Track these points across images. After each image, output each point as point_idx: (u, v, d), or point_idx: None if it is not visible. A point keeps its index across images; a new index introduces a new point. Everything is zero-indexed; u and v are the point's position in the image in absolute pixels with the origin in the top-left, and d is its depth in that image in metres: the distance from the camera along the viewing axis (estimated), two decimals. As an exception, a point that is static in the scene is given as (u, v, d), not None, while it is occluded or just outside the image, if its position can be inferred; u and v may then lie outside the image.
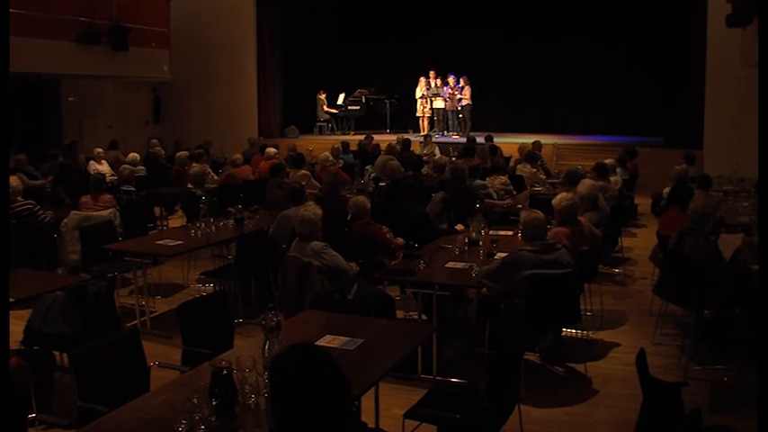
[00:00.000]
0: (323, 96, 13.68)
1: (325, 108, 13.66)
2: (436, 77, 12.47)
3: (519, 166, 7.44)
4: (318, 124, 13.76)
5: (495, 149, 8.47)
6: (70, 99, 11.66)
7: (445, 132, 12.58)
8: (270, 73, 13.29)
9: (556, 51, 12.80)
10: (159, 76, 12.69)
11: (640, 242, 6.55)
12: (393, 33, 14.20)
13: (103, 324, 3.16)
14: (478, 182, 5.96)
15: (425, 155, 9.50)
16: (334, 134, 13.64)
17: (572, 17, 12.50)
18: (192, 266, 5.55)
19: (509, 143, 10.30)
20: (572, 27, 12.47)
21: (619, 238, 5.70)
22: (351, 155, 9.16)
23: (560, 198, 4.08)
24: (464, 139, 10.47)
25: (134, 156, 8.13)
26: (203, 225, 4.86)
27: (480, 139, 9.93)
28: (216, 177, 7.66)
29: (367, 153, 9.28)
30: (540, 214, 3.56)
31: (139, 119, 13.34)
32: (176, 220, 6.98)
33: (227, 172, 7.52)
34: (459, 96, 12.19)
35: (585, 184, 5.16)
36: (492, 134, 10.17)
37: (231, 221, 5.07)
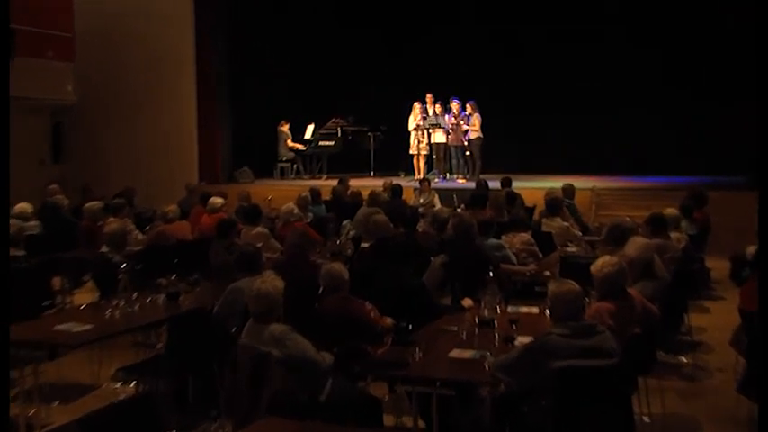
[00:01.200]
0: (285, 128, 13.95)
1: (289, 143, 13.92)
2: (435, 102, 12.79)
3: (545, 220, 7.58)
4: (280, 165, 13.98)
5: (513, 197, 8.63)
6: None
7: (448, 175, 12.84)
8: (214, 97, 13.56)
9: (591, 64, 13.20)
10: (60, 99, 12.62)
11: (716, 321, 6.53)
12: (378, 45, 14.67)
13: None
14: (492, 241, 6.07)
15: (422, 206, 9.64)
16: (301, 178, 13.83)
17: (611, 18, 12.93)
18: (106, 360, 5.47)
19: (532, 188, 10.52)
20: (611, 29, 12.90)
21: (685, 316, 5.73)
22: (323, 206, 9.27)
23: (602, 263, 4.16)
24: (472, 184, 10.69)
25: (24, 207, 8.07)
26: (122, 302, 4.85)
27: (494, 184, 10.12)
28: (141, 237, 7.67)
29: (344, 204, 9.40)
30: (574, 285, 3.62)
31: (31, 156, 13.24)
32: (85, 296, 6.90)
33: (157, 230, 7.56)
34: (465, 127, 12.51)
35: (636, 244, 5.22)
36: (510, 176, 10.35)
37: (161, 297, 5.08)
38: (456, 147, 12.73)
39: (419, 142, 12.87)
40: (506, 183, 9.84)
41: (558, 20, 13.37)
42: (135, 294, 4.98)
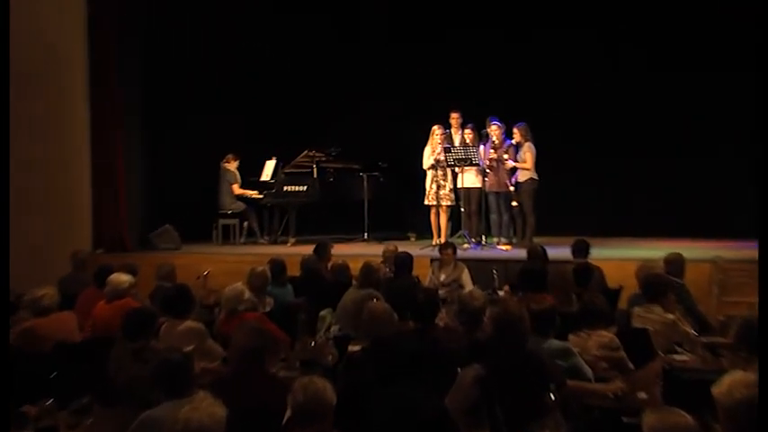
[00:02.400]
0: (233, 166, 14.08)
1: (237, 189, 14.01)
2: (463, 126, 12.94)
3: (639, 310, 7.55)
4: (222, 222, 14.04)
5: (587, 274, 8.64)
6: None
7: (483, 239, 12.87)
8: (121, 120, 13.59)
9: (698, 75, 13.40)
10: None
11: None
12: (375, 39, 14.93)
13: None
14: (555, 344, 6.05)
15: (443, 286, 9.66)
16: (256, 242, 13.93)
17: (723, 34, 13.21)
18: None
19: (617, 260, 10.57)
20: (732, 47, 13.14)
21: None
22: (289, 287, 9.27)
23: (732, 382, 4.13)
24: (522, 253, 10.68)
25: None
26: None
27: (558, 253, 10.18)
28: None
29: (322, 283, 9.40)
30: (686, 417, 3.63)
31: None
32: None
33: (23, 326, 7.52)
34: (510, 164, 12.57)
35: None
36: (585, 240, 10.24)
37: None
38: (497, 194, 12.77)
39: (439, 187, 12.95)
40: (579, 250, 9.75)
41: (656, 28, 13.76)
42: (-10, 428, 4.95)
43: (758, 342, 4.41)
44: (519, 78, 14.19)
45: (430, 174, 12.99)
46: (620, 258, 10.75)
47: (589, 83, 14.06)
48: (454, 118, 12.99)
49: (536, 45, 14.22)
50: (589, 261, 9.43)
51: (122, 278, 8.03)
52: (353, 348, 6.64)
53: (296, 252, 11.50)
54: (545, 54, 14.18)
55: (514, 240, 12.65)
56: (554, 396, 4.85)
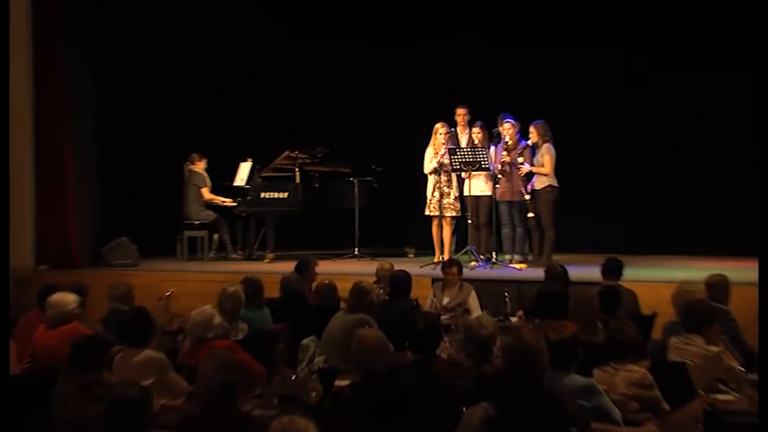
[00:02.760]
0: (200, 167, 14.09)
1: (207, 195, 14.02)
2: (471, 124, 12.95)
3: (675, 341, 7.54)
4: (188, 235, 14.03)
5: (615, 298, 8.61)
6: None
7: (494, 256, 12.83)
8: (67, 114, 13.50)
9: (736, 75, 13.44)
10: None
11: None
12: (372, 36, 15.01)
13: None
14: (577, 380, 6.04)
15: (446, 311, 9.64)
16: (228, 258, 13.94)
17: None
18: None
19: (650, 282, 10.56)
20: None
21: None
22: (266, 311, 9.25)
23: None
24: (540, 273, 10.66)
25: None
26: None
27: (581, 272, 10.21)
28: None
29: (304, 307, 9.39)
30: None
31: None
32: None
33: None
34: (526, 168, 12.56)
35: None
36: (618, 258, 10.18)
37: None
38: (510, 203, 12.76)
39: (442, 195, 12.92)
40: (611, 270, 9.73)
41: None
42: None
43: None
44: (522, 79, 14.28)
45: (432, 179, 12.97)
46: (653, 280, 10.74)
47: (623, 89, 14.15)
48: (460, 115, 12.96)
49: (538, 45, 14.29)
50: (620, 283, 9.40)
51: (67, 299, 7.95)
52: (341, 383, 6.63)
53: (275, 270, 11.49)
54: (549, 57, 14.26)
55: (530, 258, 12.64)
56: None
